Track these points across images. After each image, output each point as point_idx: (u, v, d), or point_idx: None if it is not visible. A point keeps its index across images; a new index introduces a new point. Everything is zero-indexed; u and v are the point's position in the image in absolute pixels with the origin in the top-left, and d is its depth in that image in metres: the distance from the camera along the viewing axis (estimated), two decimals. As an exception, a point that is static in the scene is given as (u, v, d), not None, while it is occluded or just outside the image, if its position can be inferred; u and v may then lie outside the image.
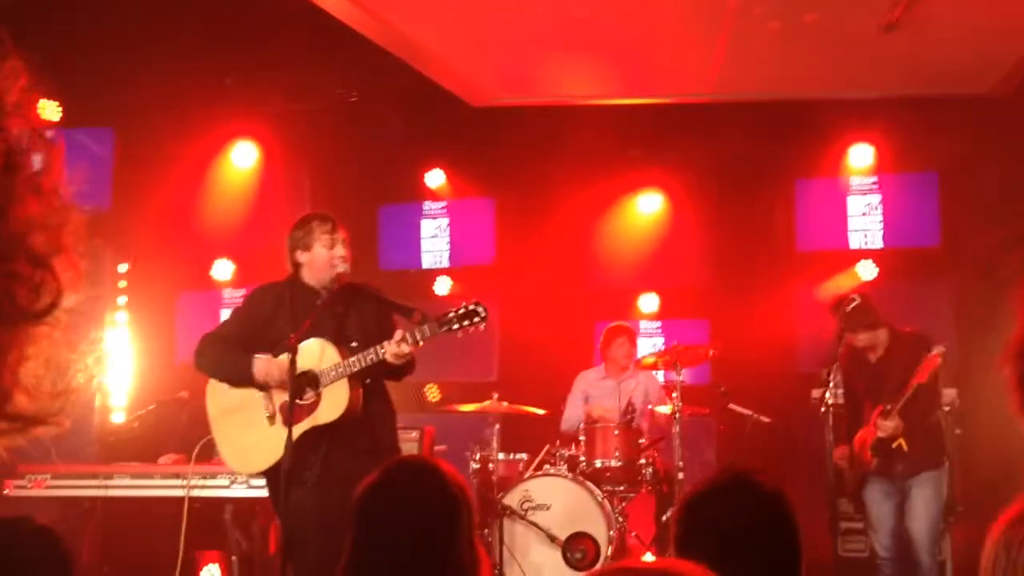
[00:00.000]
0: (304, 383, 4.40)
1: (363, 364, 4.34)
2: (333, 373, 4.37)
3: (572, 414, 7.13)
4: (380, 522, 2.31)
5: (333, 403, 4.38)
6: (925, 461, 5.56)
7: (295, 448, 4.26)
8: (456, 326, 4.31)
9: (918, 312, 5.64)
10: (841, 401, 5.99)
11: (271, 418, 4.45)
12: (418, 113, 8.42)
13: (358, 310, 4.59)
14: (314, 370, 4.41)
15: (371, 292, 4.71)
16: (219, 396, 4.61)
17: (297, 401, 4.37)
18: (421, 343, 4.30)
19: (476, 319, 4.31)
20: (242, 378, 4.48)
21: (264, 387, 4.47)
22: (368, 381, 4.48)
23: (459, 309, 4.34)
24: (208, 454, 5.75)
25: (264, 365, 4.41)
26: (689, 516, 2.20)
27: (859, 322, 5.57)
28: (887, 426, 5.42)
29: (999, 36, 6.74)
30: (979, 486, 6.71)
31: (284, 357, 4.36)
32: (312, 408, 4.40)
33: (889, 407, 5.42)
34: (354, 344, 4.44)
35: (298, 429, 4.33)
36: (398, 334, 4.29)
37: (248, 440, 4.49)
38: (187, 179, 8.27)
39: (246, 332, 4.55)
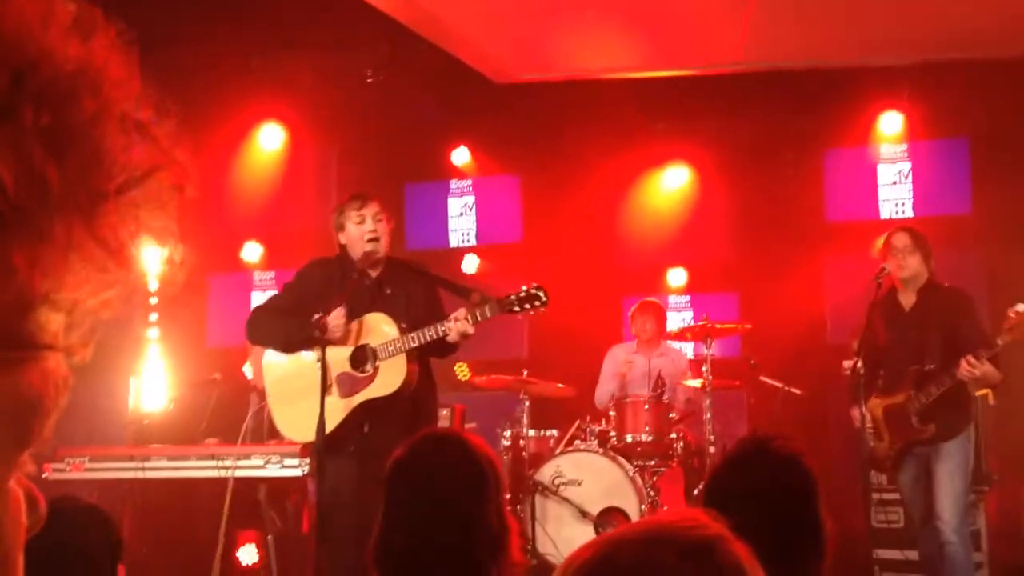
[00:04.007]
0: (362, 356, 4.48)
1: (422, 340, 4.40)
2: (391, 348, 4.44)
3: (603, 390, 7.15)
4: (408, 493, 2.35)
5: (391, 377, 4.46)
6: (957, 423, 5.20)
7: (342, 420, 4.36)
8: (518, 308, 4.46)
9: (950, 281, 5.51)
10: None
11: (327, 388, 4.50)
12: (443, 91, 8.40)
13: (406, 289, 4.65)
14: (371, 344, 4.47)
15: (424, 271, 4.78)
16: (274, 367, 4.73)
17: (355, 373, 4.45)
18: (481, 321, 4.41)
19: (537, 303, 4.46)
20: (304, 338, 4.52)
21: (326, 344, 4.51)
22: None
23: (520, 292, 4.48)
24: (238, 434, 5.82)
25: (335, 317, 4.43)
26: (712, 487, 2.23)
27: (919, 244, 5.23)
28: (976, 373, 4.93)
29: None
30: (1013, 456, 6.67)
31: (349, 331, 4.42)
32: (368, 381, 4.47)
33: (979, 353, 4.91)
34: (403, 325, 4.50)
35: (354, 401, 4.44)
36: (461, 312, 4.35)
37: (302, 409, 4.54)
38: (215, 161, 8.30)
39: (297, 307, 4.63)
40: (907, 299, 5.33)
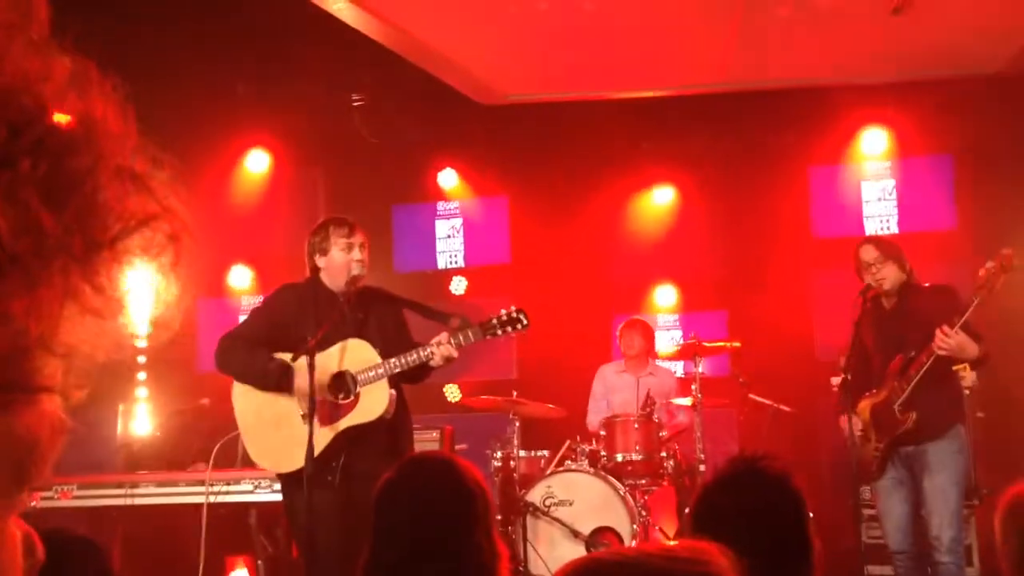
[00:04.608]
0: (342, 383, 4.44)
1: (405, 365, 4.37)
2: (372, 373, 4.40)
3: (595, 413, 7.16)
4: (397, 517, 2.34)
5: (373, 403, 4.41)
6: (941, 418, 5.05)
7: (325, 447, 4.33)
8: (500, 332, 4.47)
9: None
10: None
11: (305, 416, 4.44)
12: (429, 113, 8.43)
13: (377, 315, 4.61)
14: (350, 371, 4.45)
15: (396, 298, 4.74)
16: (248, 394, 4.58)
17: (334, 400, 4.42)
18: (464, 345, 4.41)
19: (519, 325, 4.48)
20: (279, 387, 4.45)
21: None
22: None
23: (501, 315, 4.48)
24: (230, 460, 5.80)
25: (302, 381, 4.34)
26: (700, 506, 2.23)
27: (888, 253, 5.18)
28: (951, 343, 4.80)
29: (1009, 15, 6.70)
30: (1003, 469, 6.67)
31: (327, 358, 4.40)
32: (350, 408, 4.43)
33: (953, 321, 4.78)
34: (376, 349, 4.47)
35: (336, 428, 4.39)
36: (443, 336, 4.34)
37: (281, 439, 4.44)
38: (202, 186, 8.30)
39: (268, 333, 4.53)
40: (889, 302, 5.29)
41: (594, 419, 7.09)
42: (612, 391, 7.22)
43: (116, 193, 0.64)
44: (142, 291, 0.67)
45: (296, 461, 4.35)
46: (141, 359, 7.90)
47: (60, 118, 0.62)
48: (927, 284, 5.35)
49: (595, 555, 1.01)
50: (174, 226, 0.68)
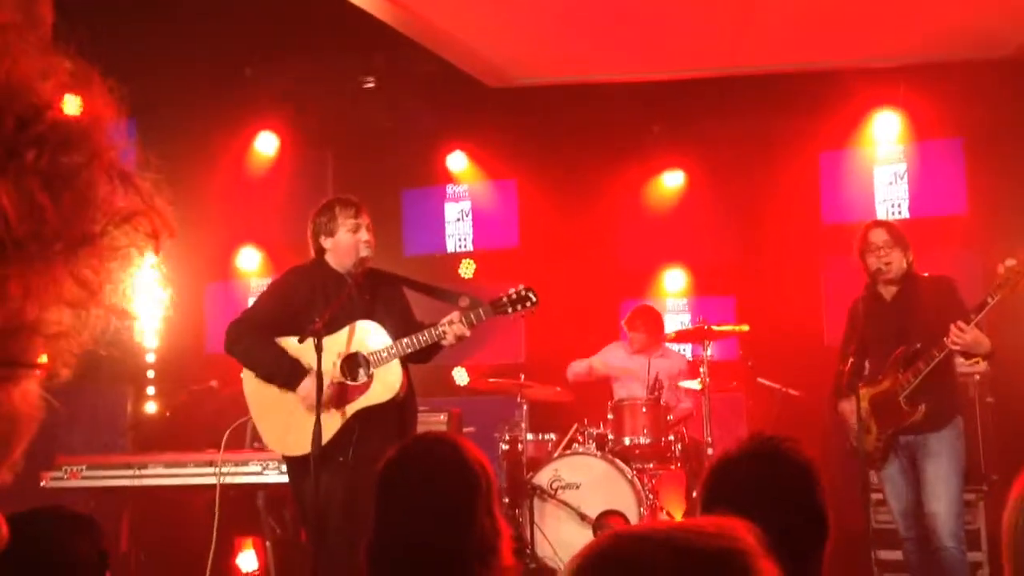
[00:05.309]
0: (354, 365, 4.45)
1: (418, 345, 4.39)
2: (385, 354, 4.41)
3: (578, 363, 7.22)
4: (400, 497, 2.34)
5: (387, 384, 4.43)
6: (945, 410, 5.03)
7: (339, 428, 4.35)
8: (510, 310, 4.51)
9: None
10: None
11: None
12: (438, 96, 8.41)
13: (384, 297, 4.62)
14: (362, 352, 4.45)
15: (401, 278, 4.75)
16: (254, 378, 4.58)
17: (349, 382, 4.43)
18: (476, 324, 4.43)
19: (528, 303, 4.53)
20: (287, 387, 4.44)
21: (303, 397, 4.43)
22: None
23: (511, 294, 4.52)
24: (239, 442, 5.82)
25: (310, 384, 4.33)
26: (716, 479, 2.20)
27: (896, 239, 5.14)
28: (966, 338, 4.74)
29: (1023, -2, 6.64)
30: (1013, 454, 6.66)
31: (336, 339, 4.41)
32: (363, 389, 4.44)
33: (969, 317, 4.74)
34: (386, 331, 4.48)
35: (350, 409, 4.41)
36: (455, 315, 4.35)
37: (293, 422, 4.42)
38: (210, 168, 8.30)
39: (279, 317, 4.52)
40: (888, 292, 5.23)
41: (576, 367, 7.17)
42: (620, 373, 7.21)
43: (106, 189, 0.67)
44: (141, 283, 0.70)
45: (306, 444, 4.32)
46: (151, 341, 7.93)
47: (60, 115, 0.65)
48: (926, 274, 5.30)
49: (616, 531, 1.01)
50: (155, 224, 0.70)
